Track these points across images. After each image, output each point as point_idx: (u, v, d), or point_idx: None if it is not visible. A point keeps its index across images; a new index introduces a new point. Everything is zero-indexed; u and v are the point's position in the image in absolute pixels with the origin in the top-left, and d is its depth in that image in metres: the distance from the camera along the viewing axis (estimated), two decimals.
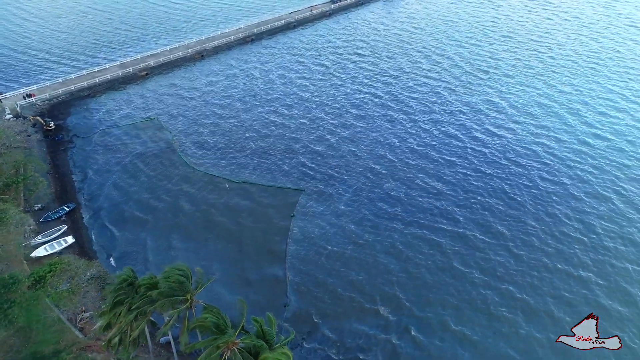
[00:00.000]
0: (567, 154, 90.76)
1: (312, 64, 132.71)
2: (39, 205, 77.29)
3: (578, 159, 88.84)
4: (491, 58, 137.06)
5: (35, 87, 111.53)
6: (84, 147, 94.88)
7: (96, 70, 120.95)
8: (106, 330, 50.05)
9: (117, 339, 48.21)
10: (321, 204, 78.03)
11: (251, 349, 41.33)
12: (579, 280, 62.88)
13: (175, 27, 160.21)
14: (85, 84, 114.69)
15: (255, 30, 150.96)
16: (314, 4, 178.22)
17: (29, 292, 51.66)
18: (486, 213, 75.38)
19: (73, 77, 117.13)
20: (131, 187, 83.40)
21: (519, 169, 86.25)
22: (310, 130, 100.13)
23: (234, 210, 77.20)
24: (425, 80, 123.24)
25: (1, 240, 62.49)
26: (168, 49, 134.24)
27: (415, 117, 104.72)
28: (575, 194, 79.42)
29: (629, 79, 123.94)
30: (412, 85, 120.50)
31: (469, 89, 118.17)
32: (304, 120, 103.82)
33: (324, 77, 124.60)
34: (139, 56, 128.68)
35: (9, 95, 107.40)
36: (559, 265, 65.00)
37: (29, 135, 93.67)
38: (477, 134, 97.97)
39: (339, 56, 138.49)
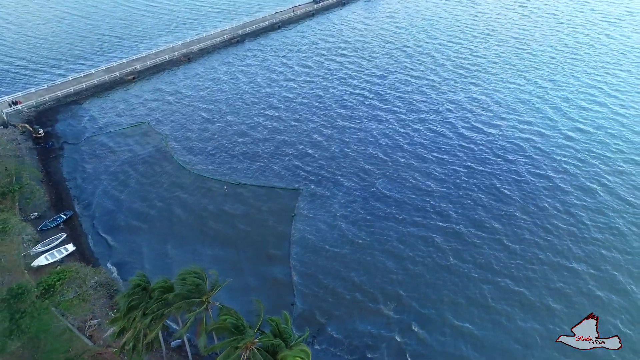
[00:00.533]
0: (552, 147, 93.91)
1: (298, 65, 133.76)
2: (35, 214, 76.81)
3: (563, 153, 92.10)
4: (473, 55, 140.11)
5: (20, 94, 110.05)
6: (75, 154, 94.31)
7: (82, 75, 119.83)
8: (119, 336, 50.67)
9: (131, 344, 48.90)
10: (317, 205, 79.27)
11: (269, 348, 42.56)
12: (572, 271, 65.49)
13: (156, 30, 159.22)
14: (71, 89, 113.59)
15: (240, 32, 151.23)
16: (297, 4, 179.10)
17: (38, 301, 51.72)
18: (479, 208, 77.75)
19: (58, 83, 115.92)
20: (127, 192, 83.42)
21: (507, 164, 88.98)
22: (300, 132, 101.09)
23: (233, 213, 77.95)
24: (410, 79, 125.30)
25: (2, 251, 62.07)
26: (154, 52, 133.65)
27: (403, 117, 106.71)
28: (563, 186, 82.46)
29: (606, 73, 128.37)
30: (397, 84, 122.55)
31: (454, 86, 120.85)
32: (294, 122, 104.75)
33: (311, 79, 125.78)
34: (124, 60, 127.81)
35: None
36: (552, 258, 67.49)
37: (19, 144, 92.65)
38: (465, 131, 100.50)
39: (324, 57, 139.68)
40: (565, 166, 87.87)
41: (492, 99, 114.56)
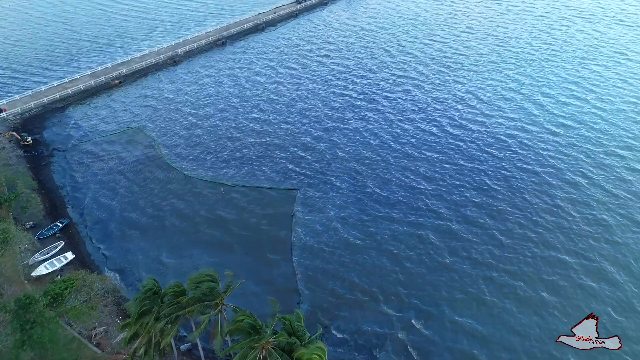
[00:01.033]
0: (537, 142, 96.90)
1: (283, 67, 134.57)
2: (30, 223, 76.22)
3: (547, 147, 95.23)
4: (454, 54, 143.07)
5: (4, 101, 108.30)
6: (66, 161, 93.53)
7: (67, 80, 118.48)
8: (130, 342, 51.11)
9: (142, 349, 49.45)
10: (312, 207, 79.99)
11: (284, 346, 43.71)
12: (562, 262, 68.08)
13: (139, 34, 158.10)
14: (57, 95, 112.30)
15: (225, 34, 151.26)
16: (279, 5, 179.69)
17: (47, 311, 51.71)
18: (469, 204, 79.95)
19: (43, 89, 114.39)
20: (122, 198, 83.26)
21: (495, 160, 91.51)
22: (290, 134, 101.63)
23: (229, 217, 78.39)
24: (395, 79, 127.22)
25: (1, 261, 61.66)
26: (139, 55, 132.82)
27: (391, 116, 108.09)
28: (550, 180, 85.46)
29: (583, 68, 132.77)
30: (383, 84, 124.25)
31: (438, 85, 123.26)
32: (283, 125, 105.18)
33: (297, 80, 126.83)
34: (109, 64, 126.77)
35: None
36: (544, 251, 70.00)
37: (7, 152, 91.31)
38: (452, 129, 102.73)
39: (310, 58, 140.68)
40: (551, 161, 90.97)
41: (475, 96, 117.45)
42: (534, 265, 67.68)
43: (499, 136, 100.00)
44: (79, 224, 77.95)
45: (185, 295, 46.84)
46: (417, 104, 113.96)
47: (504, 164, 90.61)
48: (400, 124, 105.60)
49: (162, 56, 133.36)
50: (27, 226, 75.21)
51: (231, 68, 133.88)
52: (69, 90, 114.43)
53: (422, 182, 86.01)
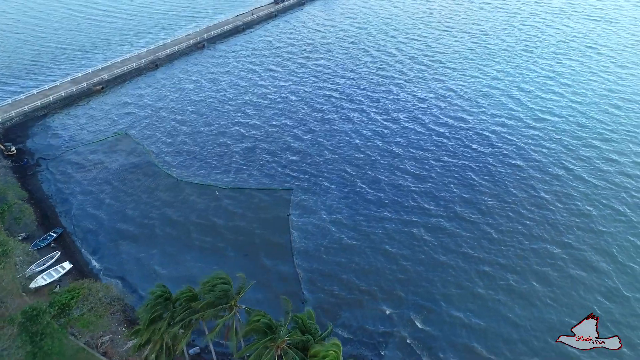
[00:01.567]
0: (519, 137, 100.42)
1: (264, 70, 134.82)
2: (23, 234, 75.28)
3: (528, 142, 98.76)
4: (432, 52, 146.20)
5: None
6: (54, 169, 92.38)
7: (47, 88, 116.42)
8: (140, 349, 51.60)
9: (153, 355, 50.05)
10: (304, 210, 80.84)
11: (298, 344, 45.10)
12: (549, 253, 71.18)
13: (115, 39, 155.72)
14: (38, 103, 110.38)
15: (205, 36, 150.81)
16: (258, 6, 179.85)
17: (54, 322, 51.64)
18: (458, 200, 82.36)
19: (23, 97, 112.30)
20: (114, 205, 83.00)
21: (480, 156, 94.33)
22: (277, 137, 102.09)
23: (226, 218, 79.21)
24: (377, 78, 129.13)
25: (3, 274, 60.95)
26: (119, 60, 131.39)
27: (376, 116, 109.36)
28: (534, 174, 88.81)
29: (556, 62, 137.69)
30: (364, 84, 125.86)
31: (418, 84, 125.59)
32: (269, 128, 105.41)
33: (281, 81, 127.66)
34: (90, 70, 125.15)
35: None
36: (533, 243, 73.00)
37: None
38: (435, 127, 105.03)
39: (291, 60, 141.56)
40: (533, 154, 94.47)
41: (456, 93, 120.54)
42: (525, 257, 70.49)
43: (482, 132, 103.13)
44: (74, 232, 77.36)
45: (198, 300, 47.61)
46: (400, 103, 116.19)
47: (488, 159, 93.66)
48: (385, 122, 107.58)
49: (143, 60, 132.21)
50: (20, 237, 74.21)
51: (213, 72, 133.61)
52: (50, 98, 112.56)
53: (412, 180, 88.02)
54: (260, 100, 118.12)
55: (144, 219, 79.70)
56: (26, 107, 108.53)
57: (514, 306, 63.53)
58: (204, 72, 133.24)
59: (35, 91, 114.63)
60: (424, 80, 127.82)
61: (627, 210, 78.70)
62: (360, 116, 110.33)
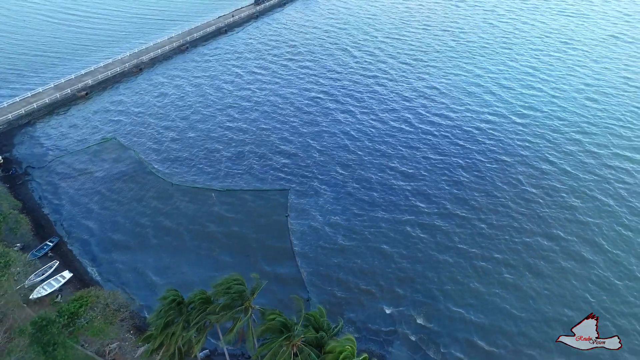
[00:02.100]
0: (503, 132, 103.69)
1: (248, 73, 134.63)
2: (19, 244, 74.46)
3: (512, 137, 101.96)
4: (412, 50, 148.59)
5: None
6: (43, 178, 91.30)
7: (30, 95, 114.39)
8: (152, 354, 52.06)
9: (166, 359, 50.66)
10: (298, 211, 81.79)
11: (313, 341, 46.37)
12: (542, 246, 74.16)
13: (94, 45, 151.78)
14: (22, 111, 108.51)
15: (188, 38, 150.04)
16: (239, 7, 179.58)
17: (64, 331, 51.72)
18: (448, 197, 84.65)
19: (6, 105, 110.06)
20: (108, 211, 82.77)
21: (467, 153, 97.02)
22: (267, 140, 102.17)
23: (221, 223, 79.59)
24: (361, 78, 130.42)
25: (2, 287, 60.46)
26: (102, 65, 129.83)
27: (362, 117, 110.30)
28: (520, 169, 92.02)
29: (534, 58, 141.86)
30: (349, 84, 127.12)
31: (402, 83, 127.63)
32: (259, 131, 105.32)
33: (266, 84, 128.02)
34: (73, 76, 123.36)
35: None
36: (524, 236, 75.90)
37: None
38: (422, 125, 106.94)
39: (273, 62, 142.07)
40: (518, 149, 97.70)
41: (439, 91, 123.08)
42: (517, 251, 73.19)
43: (467, 129, 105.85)
44: (71, 241, 76.89)
45: (211, 302, 48.38)
46: (386, 103, 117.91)
47: (475, 155, 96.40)
48: (372, 122, 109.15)
49: (126, 64, 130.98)
50: (16, 248, 73.44)
51: (198, 76, 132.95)
52: (34, 105, 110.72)
53: (403, 178, 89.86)
54: (246, 103, 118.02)
55: (136, 227, 79.44)
56: (10, 115, 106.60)
57: (510, 299, 66.05)
58: (189, 76, 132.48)
59: (18, 99, 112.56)
60: (408, 79, 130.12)
61: (611, 201, 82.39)
62: (348, 117, 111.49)
